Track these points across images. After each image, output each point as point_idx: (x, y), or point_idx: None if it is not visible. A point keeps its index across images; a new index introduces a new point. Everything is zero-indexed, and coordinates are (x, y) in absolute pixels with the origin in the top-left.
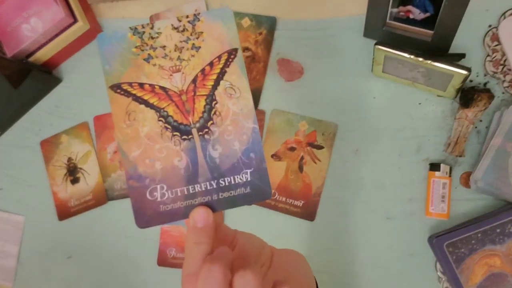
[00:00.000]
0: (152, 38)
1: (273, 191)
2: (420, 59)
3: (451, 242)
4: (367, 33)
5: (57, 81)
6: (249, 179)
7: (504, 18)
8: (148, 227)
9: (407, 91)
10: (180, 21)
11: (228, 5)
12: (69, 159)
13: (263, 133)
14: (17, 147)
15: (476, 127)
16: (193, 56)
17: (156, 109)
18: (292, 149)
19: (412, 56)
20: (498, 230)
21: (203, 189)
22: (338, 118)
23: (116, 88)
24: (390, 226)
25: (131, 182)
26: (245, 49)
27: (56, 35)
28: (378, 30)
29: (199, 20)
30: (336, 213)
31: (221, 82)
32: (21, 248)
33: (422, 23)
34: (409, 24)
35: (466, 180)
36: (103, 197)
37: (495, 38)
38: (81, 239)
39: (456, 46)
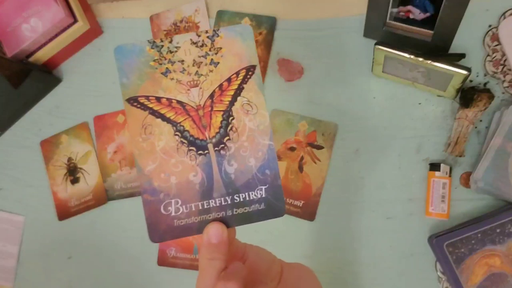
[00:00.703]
0: (171, 52)
1: None
2: (420, 59)
3: (451, 242)
4: (367, 33)
5: (57, 81)
6: (263, 195)
7: (504, 18)
8: (161, 242)
9: (407, 91)
10: (199, 36)
11: (229, 6)
12: (69, 159)
13: None
14: (17, 147)
15: (476, 127)
16: (211, 71)
17: (173, 123)
18: (292, 149)
19: (412, 56)
20: (498, 230)
21: (218, 204)
22: (338, 118)
23: (133, 101)
24: (390, 226)
25: (145, 196)
26: None
27: (56, 35)
28: (378, 30)
29: (218, 36)
30: (336, 213)
31: (238, 98)
32: (21, 248)
33: (422, 23)
34: (409, 24)
35: (466, 180)
36: (103, 197)
37: (495, 38)
38: (81, 239)
39: (456, 46)
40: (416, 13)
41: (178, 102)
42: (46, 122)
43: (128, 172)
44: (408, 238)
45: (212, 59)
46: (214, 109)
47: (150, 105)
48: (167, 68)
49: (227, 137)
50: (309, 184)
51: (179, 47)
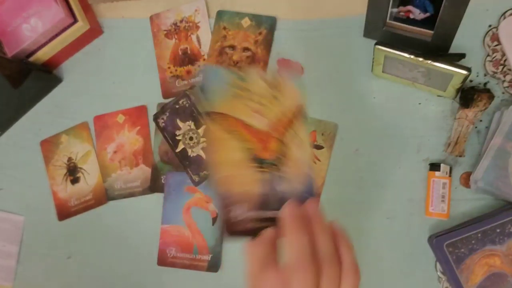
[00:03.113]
0: (246, 81)
1: None
2: (420, 59)
3: (451, 242)
4: (367, 33)
5: (57, 81)
6: None
7: (504, 18)
8: (232, 236)
9: (407, 91)
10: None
11: (229, 6)
12: (69, 159)
13: None
14: (17, 147)
15: (476, 127)
16: (272, 104)
17: (242, 141)
18: None
19: (412, 56)
20: (498, 230)
21: (271, 216)
22: (338, 118)
23: (213, 115)
24: (390, 226)
25: (217, 199)
26: (245, 49)
27: (56, 35)
28: (378, 30)
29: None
30: (336, 213)
31: (290, 130)
32: (21, 248)
33: (422, 23)
34: (409, 24)
35: (466, 180)
36: (103, 197)
37: (495, 38)
38: (81, 239)
39: (456, 46)
40: (416, 13)
41: (248, 124)
42: (46, 122)
43: (128, 172)
44: (408, 238)
45: (274, 95)
46: (273, 135)
47: (226, 122)
48: (242, 94)
49: (280, 161)
50: None
51: (252, 79)
